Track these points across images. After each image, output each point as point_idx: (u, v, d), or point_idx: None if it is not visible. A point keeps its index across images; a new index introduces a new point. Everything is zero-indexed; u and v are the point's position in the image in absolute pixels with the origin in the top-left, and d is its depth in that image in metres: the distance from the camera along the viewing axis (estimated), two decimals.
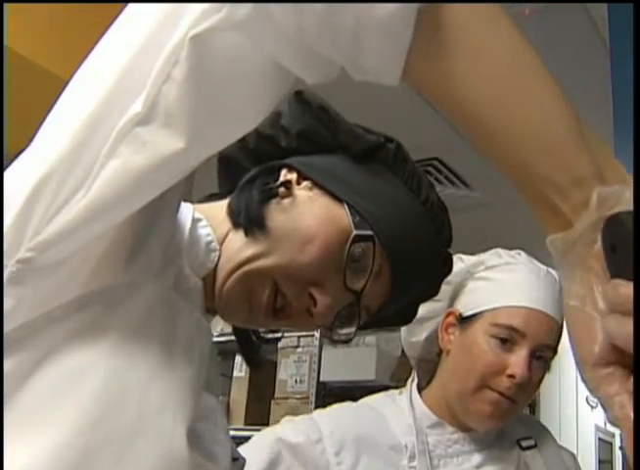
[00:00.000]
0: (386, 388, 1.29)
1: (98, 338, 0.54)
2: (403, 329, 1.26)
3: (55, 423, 0.51)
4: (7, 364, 0.51)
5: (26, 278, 0.51)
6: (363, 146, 0.74)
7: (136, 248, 0.57)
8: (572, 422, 4.92)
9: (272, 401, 3.41)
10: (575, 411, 5.03)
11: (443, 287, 0.86)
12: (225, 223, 0.72)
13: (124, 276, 0.56)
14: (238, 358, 3.51)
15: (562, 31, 2.28)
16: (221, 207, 0.73)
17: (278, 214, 0.70)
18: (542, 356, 1.11)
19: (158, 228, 0.59)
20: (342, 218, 0.70)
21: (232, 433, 0.76)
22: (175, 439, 0.55)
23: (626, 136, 1.46)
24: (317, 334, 3.34)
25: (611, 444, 5.58)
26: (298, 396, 3.35)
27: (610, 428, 5.17)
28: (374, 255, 0.69)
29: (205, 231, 0.70)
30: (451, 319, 1.18)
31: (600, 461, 5.37)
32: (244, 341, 0.82)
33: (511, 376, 1.07)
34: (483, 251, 1.22)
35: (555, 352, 1.13)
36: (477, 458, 1.13)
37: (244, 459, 0.76)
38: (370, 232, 0.69)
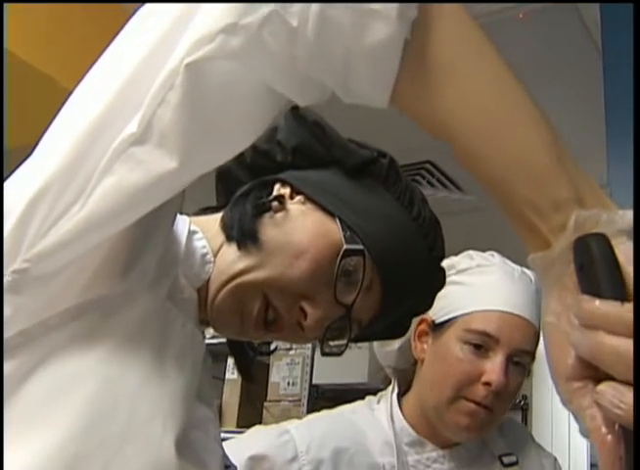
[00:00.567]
0: (378, 391, 1.26)
1: (93, 346, 0.55)
2: None
3: (47, 428, 0.52)
4: (3, 369, 0.52)
5: (23, 287, 0.52)
6: (356, 161, 0.75)
7: (131, 259, 0.58)
8: (565, 426, 4.93)
9: (264, 404, 3.39)
10: (567, 415, 5.01)
11: None
12: (219, 236, 0.73)
13: (120, 286, 0.57)
14: (230, 361, 3.50)
15: (554, 35, 2.29)
16: (216, 219, 0.74)
17: (271, 228, 0.70)
18: (519, 362, 1.06)
19: (153, 240, 0.60)
20: (334, 233, 0.70)
21: (224, 435, 0.77)
22: (163, 447, 0.56)
23: (619, 137, 1.47)
24: None
25: None
26: (291, 398, 3.34)
27: None
28: (364, 269, 0.70)
29: (200, 243, 0.71)
30: (424, 327, 1.13)
31: (592, 465, 5.36)
32: (238, 352, 0.83)
33: (487, 384, 1.03)
34: None
35: (533, 357, 1.07)
36: None
37: (235, 467, 0.76)
38: (360, 247, 0.70)
